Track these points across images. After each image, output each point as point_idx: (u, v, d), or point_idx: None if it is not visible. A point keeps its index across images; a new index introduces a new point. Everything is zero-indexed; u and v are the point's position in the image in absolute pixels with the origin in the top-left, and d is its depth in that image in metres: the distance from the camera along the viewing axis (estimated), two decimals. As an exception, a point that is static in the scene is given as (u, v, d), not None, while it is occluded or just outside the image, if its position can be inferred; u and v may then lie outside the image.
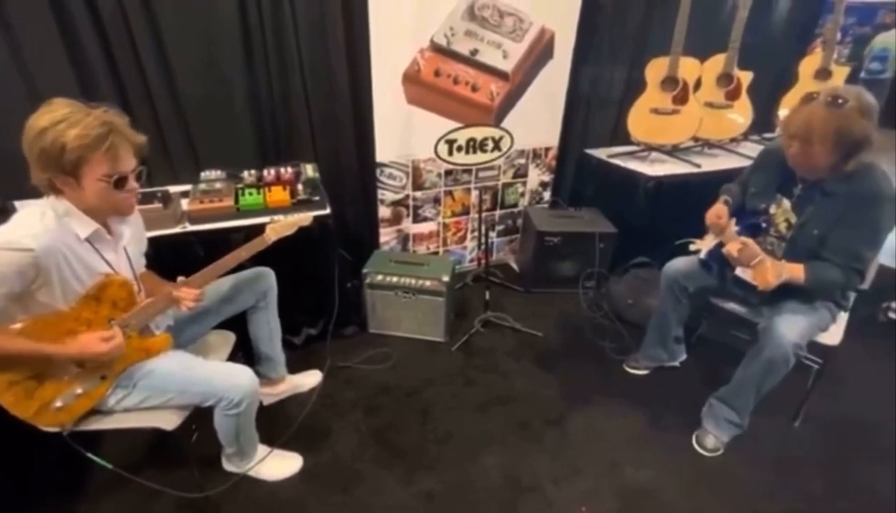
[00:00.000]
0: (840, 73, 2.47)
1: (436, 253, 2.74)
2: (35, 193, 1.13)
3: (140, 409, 1.29)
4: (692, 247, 1.70)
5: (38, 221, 1.08)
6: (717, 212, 1.64)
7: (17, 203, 1.62)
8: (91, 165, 1.09)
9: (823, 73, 2.48)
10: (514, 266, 2.96)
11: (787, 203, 1.56)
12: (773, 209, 1.60)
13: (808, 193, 1.50)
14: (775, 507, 1.56)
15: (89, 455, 1.24)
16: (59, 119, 1.05)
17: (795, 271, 1.42)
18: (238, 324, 1.68)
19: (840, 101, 1.30)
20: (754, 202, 1.64)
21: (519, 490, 1.59)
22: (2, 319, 1.09)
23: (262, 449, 1.59)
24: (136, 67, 1.82)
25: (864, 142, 1.32)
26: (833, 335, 1.63)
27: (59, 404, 1.18)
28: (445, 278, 2.14)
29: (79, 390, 1.20)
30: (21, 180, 1.11)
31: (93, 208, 1.16)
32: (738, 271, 1.63)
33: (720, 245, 1.56)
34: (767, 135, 2.79)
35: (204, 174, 1.96)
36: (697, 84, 2.43)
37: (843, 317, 1.67)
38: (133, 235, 1.32)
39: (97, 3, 1.68)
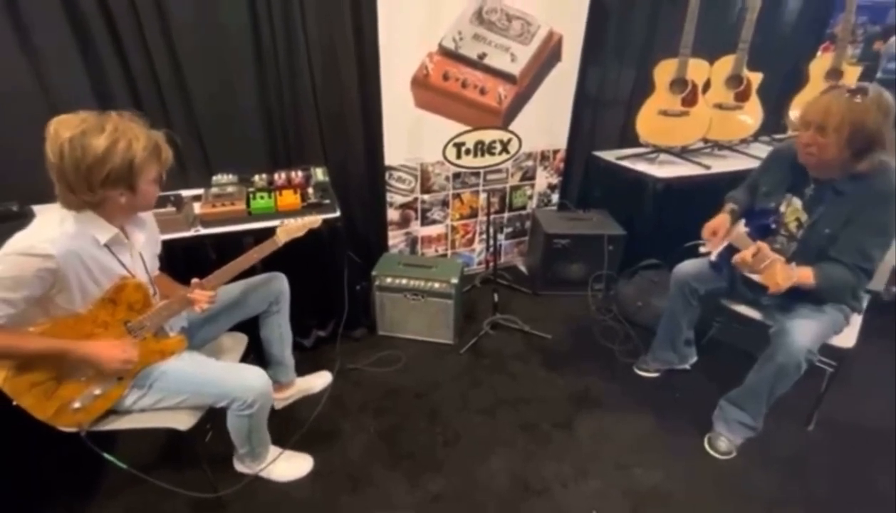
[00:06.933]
0: (852, 73, 2.45)
1: (444, 256, 2.75)
2: (54, 198, 1.14)
3: (155, 409, 1.32)
4: (702, 249, 1.69)
5: (56, 227, 1.10)
6: (713, 227, 1.62)
7: (35, 208, 1.65)
8: (148, 171, 1.15)
9: (835, 73, 2.45)
10: (523, 268, 2.96)
11: (797, 202, 1.55)
12: (783, 208, 1.58)
13: (819, 192, 1.49)
14: (786, 511, 1.54)
15: (105, 455, 1.26)
16: (114, 135, 1.06)
17: (804, 275, 1.39)
18: (251, 327, 1.70)
19: (861, 91, 1.29)
20: (765, 201, 1.63)
21: (527, 493, 1.59)
22: (22, 321, 1.12)
23: (273, 450, 1.61)
24: (150, 74, 1.85)
25: (876, 139, 1.31)
26: (847, 338, 1.61)
27: (77, 404, 1.21)
28: (454, 281, 2.15)
29: (97, 391, 1.22)
30: (40, 185, 1.13)
31: (120, 213, 1.19)
32: (747, 271, 1.62)
33: (730, 247, 1.55)
34: (778, 136, 2.76)
35: (216, 178, 1.98)
36: (706, 85, 2.42)
37: (857, 319, 1.65)
38: (148, 239, 1.35)
39: (112, 11, 1.72)
